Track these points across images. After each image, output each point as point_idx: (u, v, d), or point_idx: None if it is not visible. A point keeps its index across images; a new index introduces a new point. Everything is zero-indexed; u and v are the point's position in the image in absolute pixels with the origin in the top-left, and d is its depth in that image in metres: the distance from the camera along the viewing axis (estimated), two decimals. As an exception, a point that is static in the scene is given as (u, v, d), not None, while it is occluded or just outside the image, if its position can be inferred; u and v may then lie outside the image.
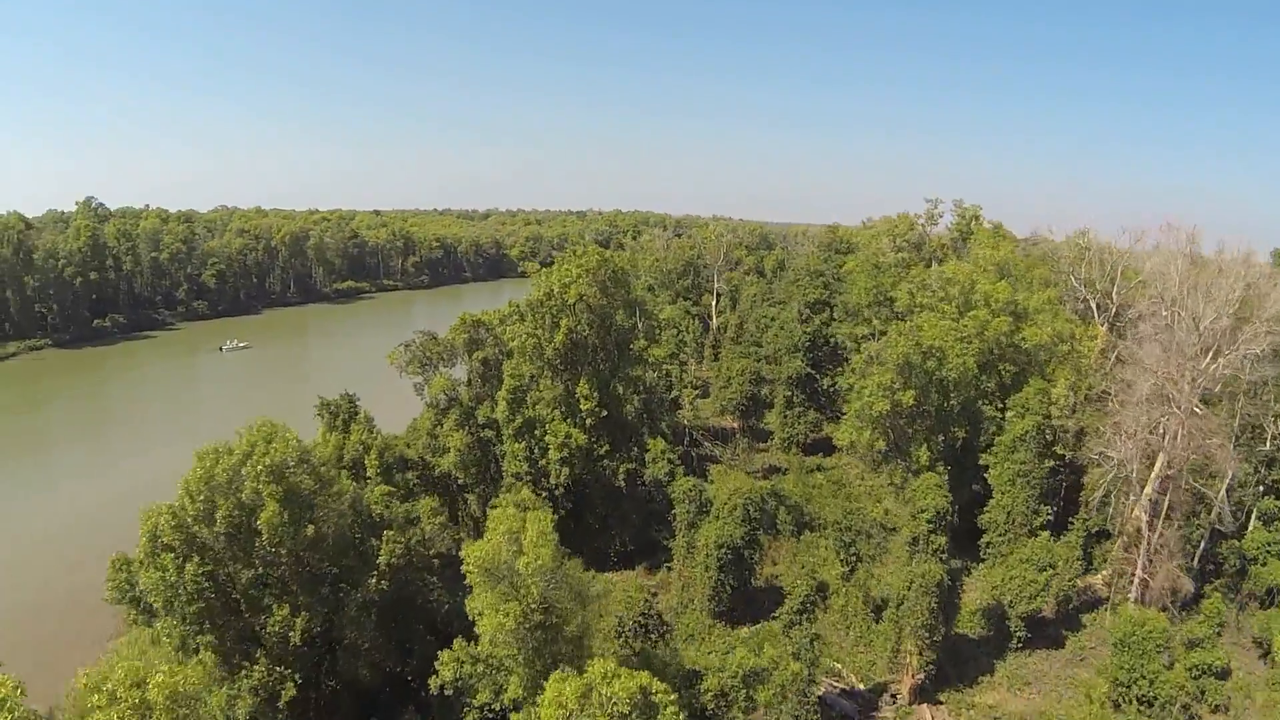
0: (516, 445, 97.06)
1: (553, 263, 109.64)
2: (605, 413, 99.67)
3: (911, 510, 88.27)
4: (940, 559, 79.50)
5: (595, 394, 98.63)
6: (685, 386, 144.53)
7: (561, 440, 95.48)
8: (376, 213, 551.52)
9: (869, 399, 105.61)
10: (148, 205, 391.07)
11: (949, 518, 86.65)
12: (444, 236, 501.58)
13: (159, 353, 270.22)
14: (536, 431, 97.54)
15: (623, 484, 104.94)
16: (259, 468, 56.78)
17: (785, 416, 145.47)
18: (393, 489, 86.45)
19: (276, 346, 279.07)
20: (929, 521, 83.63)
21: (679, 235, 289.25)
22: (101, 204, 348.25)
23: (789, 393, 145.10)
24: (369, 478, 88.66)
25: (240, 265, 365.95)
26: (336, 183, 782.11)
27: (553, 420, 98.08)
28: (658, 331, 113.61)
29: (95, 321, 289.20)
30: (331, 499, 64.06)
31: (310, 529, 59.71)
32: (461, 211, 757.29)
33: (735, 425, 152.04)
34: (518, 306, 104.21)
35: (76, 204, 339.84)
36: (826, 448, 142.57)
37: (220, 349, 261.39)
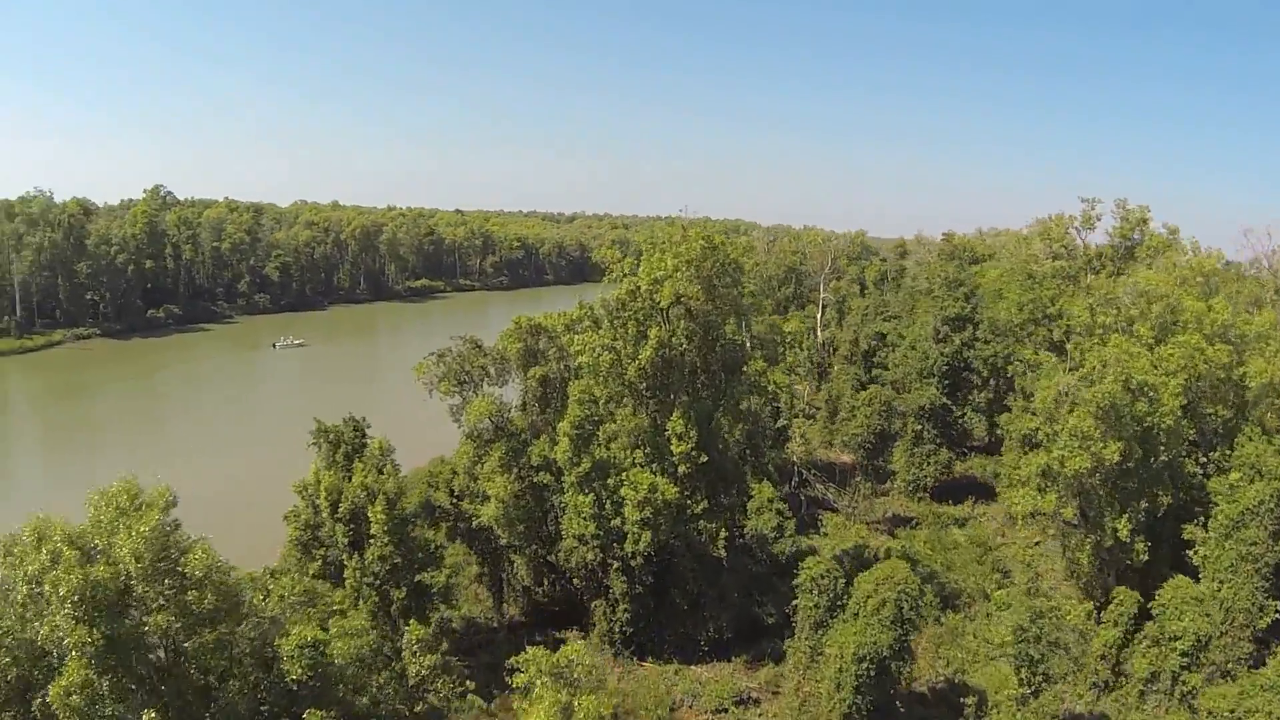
0: (582, 498, 71.14)
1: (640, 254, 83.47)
2: (704, 457, 73.11)
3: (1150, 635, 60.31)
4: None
5: (693, 431, 72.29)
6: (796, 414, 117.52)
7: (644, 495, 69.10)
8: (458, 211, 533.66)
9: (1061, 453, 77.47)
10: (227, 198, 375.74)
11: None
12: (525, 237, 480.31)
13: (208, 347, 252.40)
14: (610, 480, 71.39)
15: (723, 551, 78.38)
16: (63, 589, 30.98)
17: (913, 454, 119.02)
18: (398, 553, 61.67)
19: (335, 345, 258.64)
20: (1183, 655, 55.96)
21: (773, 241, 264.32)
22: (170, 193, 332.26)
23: (919, 426, 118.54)
24: (372, 536, 63.97)
25: (307, 258, 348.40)
26: (418, 184, 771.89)
27: (633, 466, 72.12)
28: (782, 349, 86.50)
29: (149, 312, 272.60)
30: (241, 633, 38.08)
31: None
32: (546, 214, 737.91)
33: (848, 461, 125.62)
34: (590, 309, 78.40)
35: (144, 191, 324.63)
36: (956, 491, 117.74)
37: (273, 345, 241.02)
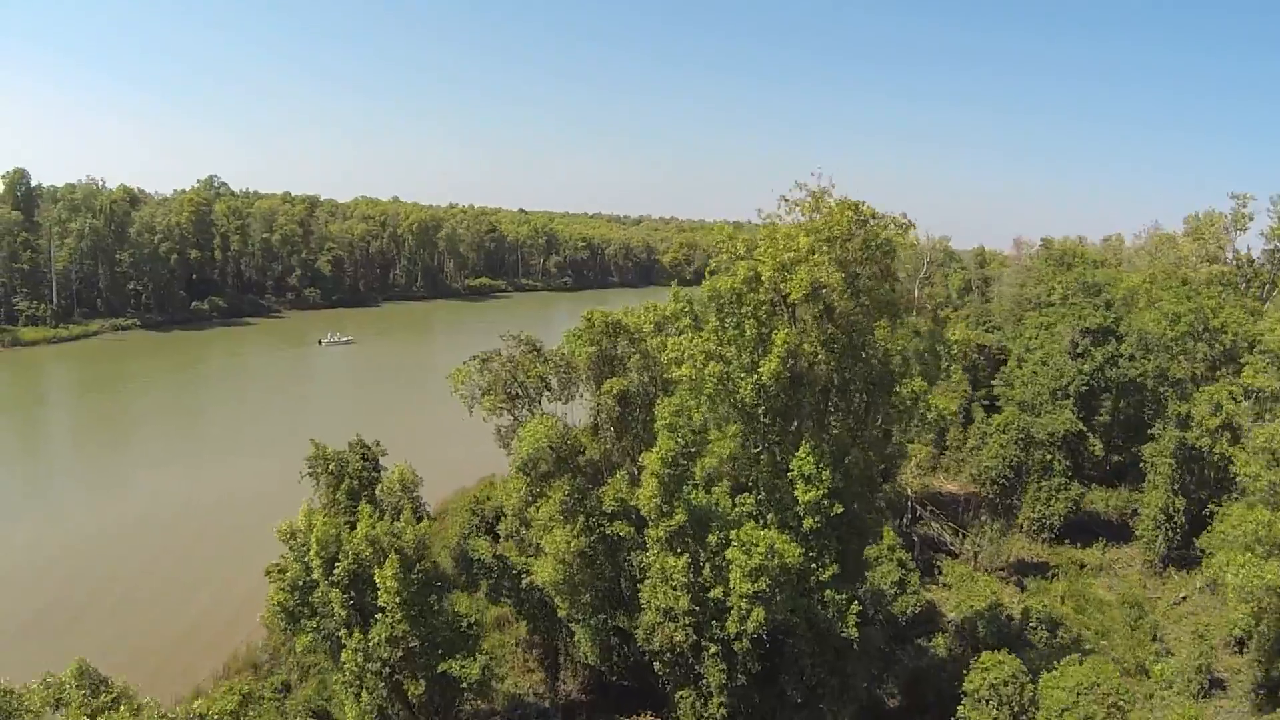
0: (672, 560, 52.26)
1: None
2: (839, 508, 53.44)
3: None
4: None
5: (826, 473, 52.76)
6: (912, 438, 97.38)
7: (759, 560, 49.71)
8: (521, 210, 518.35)
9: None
10: (284, 192, 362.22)
11: None
12: (590, 237, 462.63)
13: (249, 342, 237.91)
14: (711, 537, 52.19)
15: (854, 630, 58.52)
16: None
17: (1040, 488, 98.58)
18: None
19: (386, 344, 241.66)
20: None
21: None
22: (224, 184, 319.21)
23: (1049, 456, 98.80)
24: (381, 610, 45.71)
25: (362, 253, 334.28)
26: (479, 186, 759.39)
27: (742, 518, 53.18)
28: (945, 364, 65.14)
29: (193, 304, 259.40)
30: None
31: None
32: (611, 216, 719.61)
33: (955, 491, 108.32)
34: (688, 303, 59.19)
35: (198, 181, 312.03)
36: (1079, 530, 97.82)
37: (319, 342, 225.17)
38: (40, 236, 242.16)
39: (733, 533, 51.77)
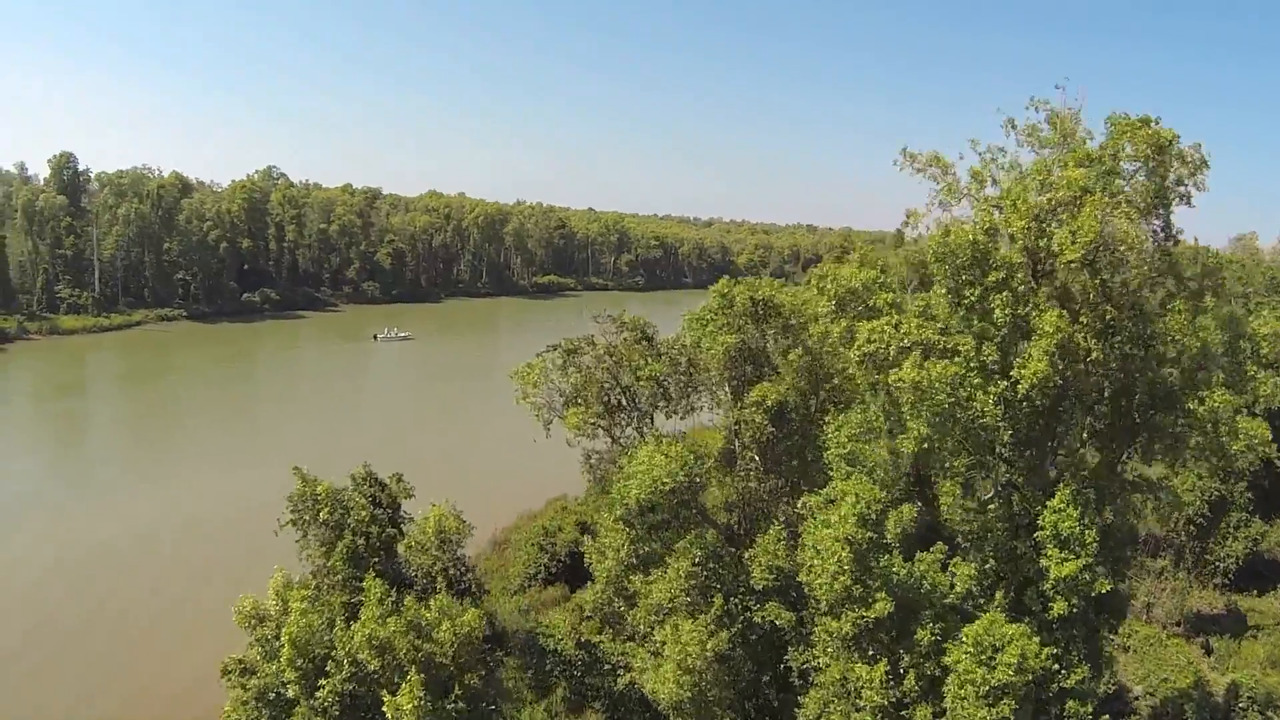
0: (863, 668, 33.24)
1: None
2: (1106, 585, 34.10)
3: None
4: None
5: (1091, 533, 33.43)
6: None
7: (1006, 678, 30.83)
8: (590, 210, 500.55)
9: None
10: (348, 184, 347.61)
11: None
12: (663, 236, 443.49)
13: (301, 335, 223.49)
14: (922, 633, 33.10)
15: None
16: None
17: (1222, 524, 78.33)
18: None
19: (446, 341, 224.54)
20: None
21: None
22: (283, 174, 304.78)
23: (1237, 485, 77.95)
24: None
25: (424, 246, 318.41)
26: (546, 184, 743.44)
27: (965, 600, 34.25)
28: (1253, 367, 43.83)
29: (244, 296, 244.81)
30: None
31: None
32: (681, 218, 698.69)
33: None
34: (878, 271, 39.27)
35: (256, 171, 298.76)
36: (1255, 576, 77.31)
37: (374, 337, 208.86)
38: (86, 223, 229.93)
39: (951, 624, 32.92)
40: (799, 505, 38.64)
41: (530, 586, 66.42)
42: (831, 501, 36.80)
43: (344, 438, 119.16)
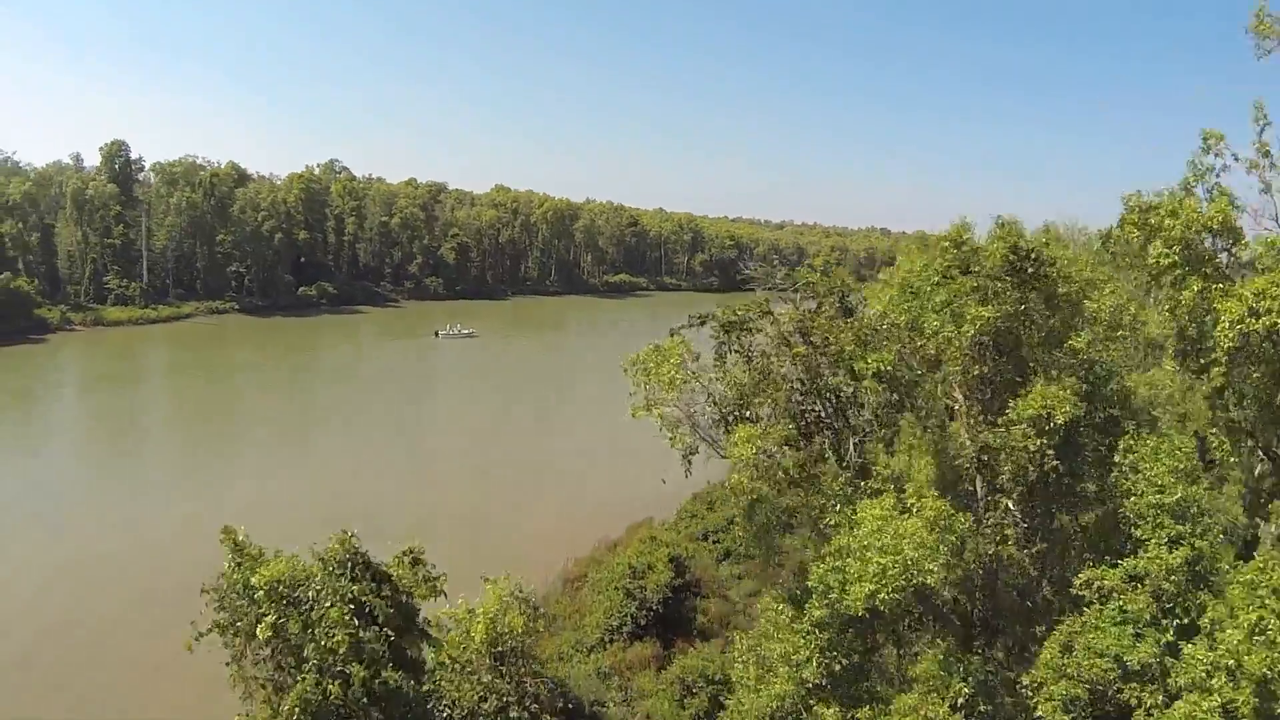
0: None
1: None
2: None
3: None
4: None
5: None
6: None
7: None
8: (660, 210, 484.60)
9: None
10: (412, 179, 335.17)
11: None
12: (738, 235, 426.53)
13: (357, 331, 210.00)
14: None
15: None
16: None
17: None
18: None
19: (514, 339, 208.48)
20: None
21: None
22: (345, 168, 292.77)
23: None
24: None
25: (491, 241, 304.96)
26: (614, 184, 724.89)
27: None
28: None
29: (300, 289, 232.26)
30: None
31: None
32: (751, 220, 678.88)
33: None
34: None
35: (317, 165, 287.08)
36: None
37: (435, 334, 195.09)
38: (138, 213, 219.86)
39: None
40: (1079, 584, 22.79)
41: (613, 642, 51.01)
42: (1136, 579, 21.57)
43: (385, 447, 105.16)
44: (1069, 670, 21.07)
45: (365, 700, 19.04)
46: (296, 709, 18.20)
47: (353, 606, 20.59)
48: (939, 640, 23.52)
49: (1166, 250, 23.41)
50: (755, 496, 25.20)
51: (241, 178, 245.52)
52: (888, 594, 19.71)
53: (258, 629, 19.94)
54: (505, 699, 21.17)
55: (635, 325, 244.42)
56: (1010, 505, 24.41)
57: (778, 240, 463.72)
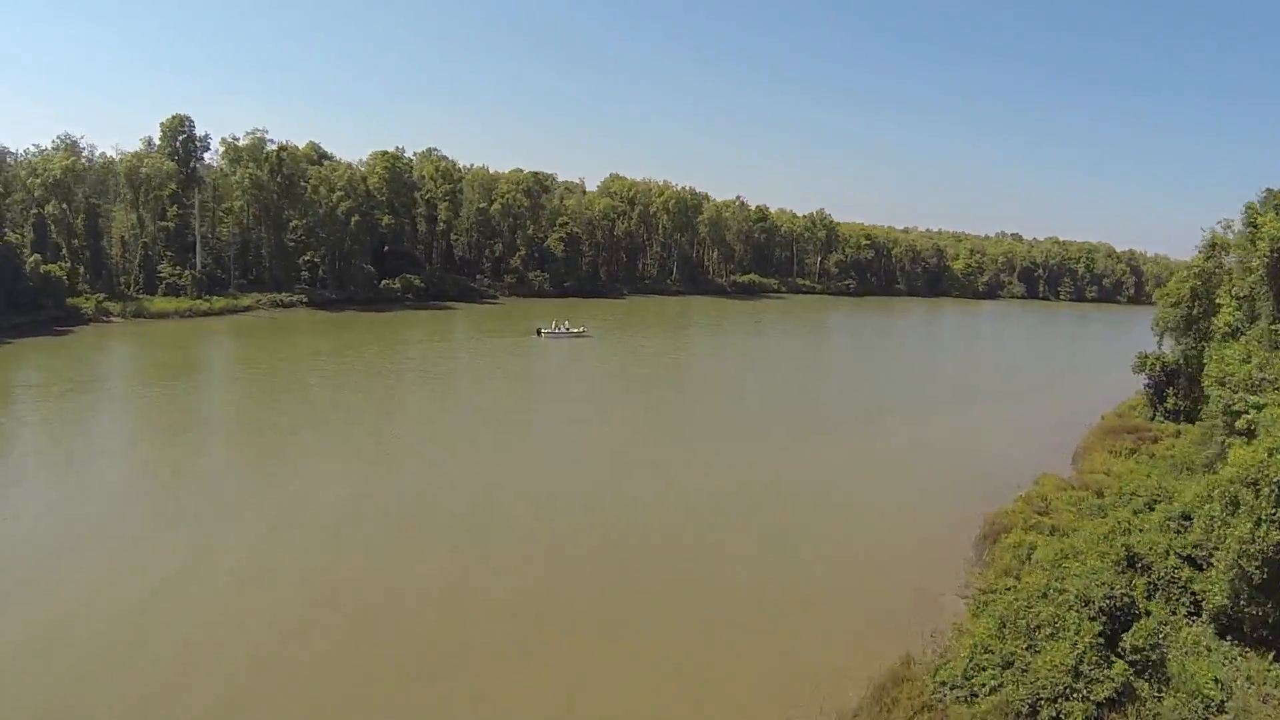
0: None
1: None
2: None
3: None
4: None
5: None
6: None
7: None
8: (783, 211, 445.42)
9: None
10: (518, 169, 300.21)
11: None
12: (875, 235, 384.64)
13: (446, 327, 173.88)
14: None
15: None
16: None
17: None
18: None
19: (630, 340, 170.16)
20: None
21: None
22: (445, 156, 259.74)
23: None
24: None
25: (605, 235, 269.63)
26: (739, 181, 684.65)
27: None
28: None
29: (383, 282, 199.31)
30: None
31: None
32: (874, 226, 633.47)
33: None
34: None
35: (415, 153, 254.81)
36: None
37: (537, 333, 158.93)
38: (205, 196, 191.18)
39: None
40: None
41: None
42: None
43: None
44: None
45: None
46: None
47: None
48: None
49: None
50: None
51: (320, 157, 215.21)
52: None
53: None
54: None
55: (769, 334, 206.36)
56: None
57: (914, 243, 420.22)
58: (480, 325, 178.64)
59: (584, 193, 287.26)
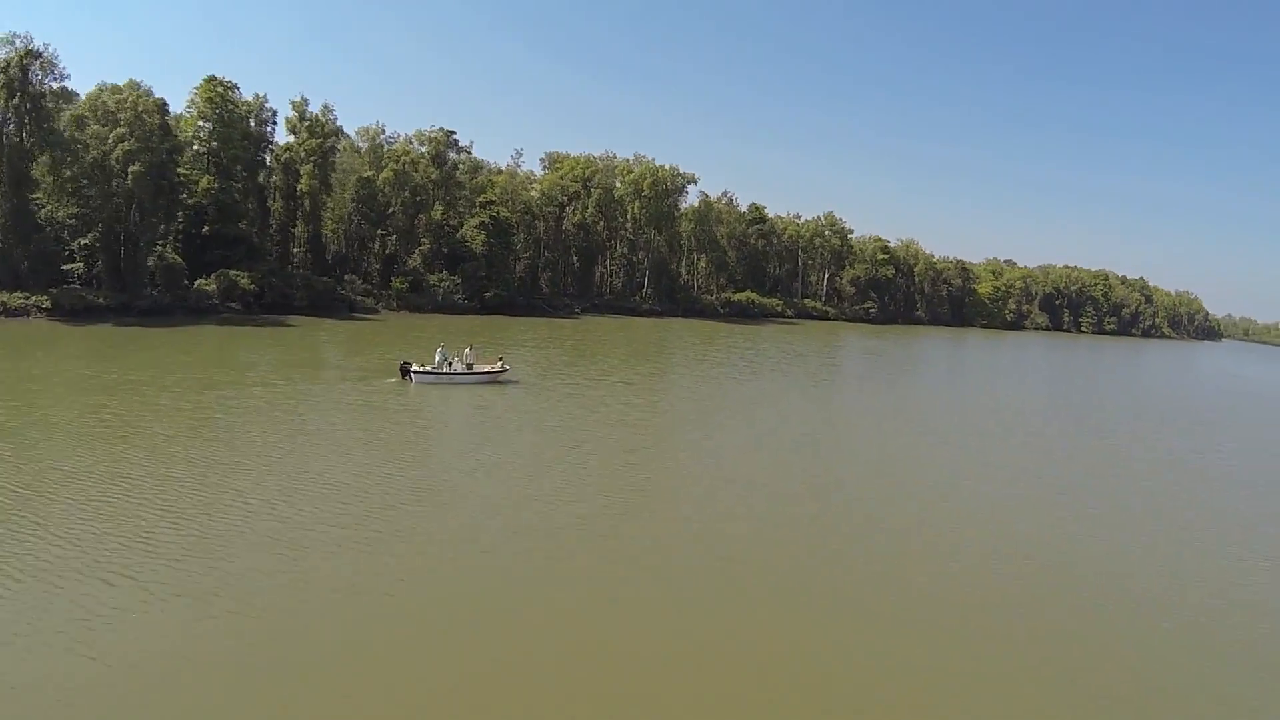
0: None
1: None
2: None
3: None
4: None
5: None
6: None
7: None
8: (783, 216, 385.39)
9: None
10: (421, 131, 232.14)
11: None
12: (892, 250, 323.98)
13: (227, 358, 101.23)
14: None
15: None
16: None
17: None
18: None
19: (583, 393, 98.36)
20: None
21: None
22: (314, 104, 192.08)
23: None
24: None
25: (549, 228, 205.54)
26: (746, 186, 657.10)
27: None
28: None
29: (198, 282, 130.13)
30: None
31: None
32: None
33: None
34: None
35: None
36: None
37: (402, 372, 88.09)
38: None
39: None
40: None
41: None
42: None
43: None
44: None
45: None
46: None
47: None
48: None
49: None
50: None
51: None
52: None
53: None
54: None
55: (800, 371, 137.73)
56: None
57: (934, 263, 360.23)
58: (315, 355, 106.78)
59: (519, 169, 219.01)
